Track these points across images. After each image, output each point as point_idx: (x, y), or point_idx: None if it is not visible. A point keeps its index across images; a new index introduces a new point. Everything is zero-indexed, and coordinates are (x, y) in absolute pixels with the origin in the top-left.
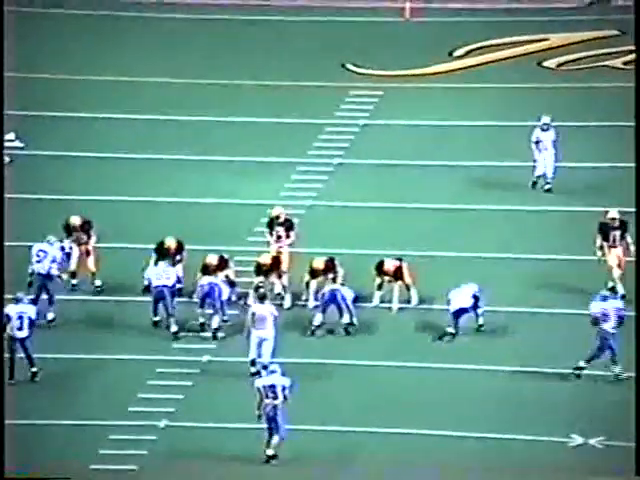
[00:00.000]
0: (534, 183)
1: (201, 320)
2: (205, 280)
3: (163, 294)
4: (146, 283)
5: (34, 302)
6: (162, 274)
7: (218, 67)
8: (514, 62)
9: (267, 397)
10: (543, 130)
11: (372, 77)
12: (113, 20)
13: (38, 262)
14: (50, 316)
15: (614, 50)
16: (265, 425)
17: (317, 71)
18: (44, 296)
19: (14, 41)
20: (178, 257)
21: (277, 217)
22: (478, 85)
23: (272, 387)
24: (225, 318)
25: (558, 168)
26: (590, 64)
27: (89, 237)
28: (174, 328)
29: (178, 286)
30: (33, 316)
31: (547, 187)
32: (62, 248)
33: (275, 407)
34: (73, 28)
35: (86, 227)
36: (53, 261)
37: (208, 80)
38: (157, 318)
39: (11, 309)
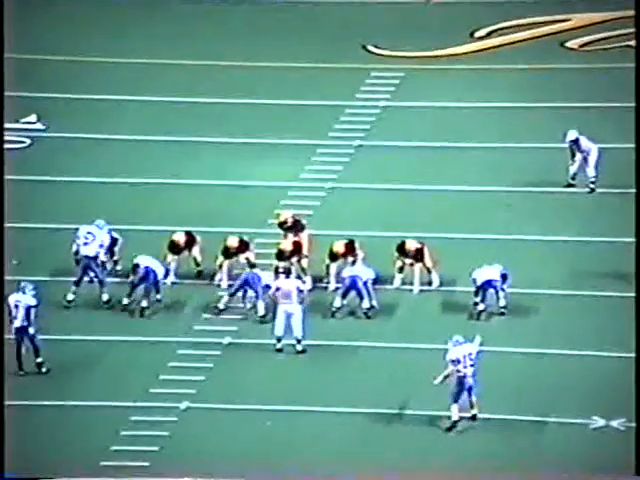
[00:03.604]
0: (569, 185)
1: (222, 306)
2: (246, 270)
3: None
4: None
5: (77, 283)
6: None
7: (239, 49)
8: (536, 43)
9: (465, 367)
10: (581, 133)
11: (393, 59)
12: (135, 2)
13: (85, 244)
14: (105, 297)
15: (637, 30)
16: (454, 391)
17: (338, 53)
18: (86, 279)
19: (38, 23)
20: (194, 249)
21: (284, 222)
22: (500, 66)
23: (470, 354)
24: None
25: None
26: (613, 44)
27: (113, 255)
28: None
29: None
30: (32, 304)
31: (591, 187)
32: (110, 232)
33: (465, 376)
34: (95, 10)
35: (112, 245)
36: (101, 245)
37: (229, 62)
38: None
39: (12, 298)
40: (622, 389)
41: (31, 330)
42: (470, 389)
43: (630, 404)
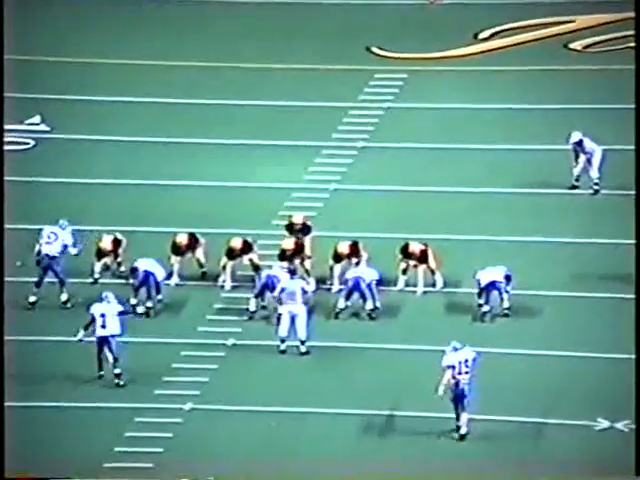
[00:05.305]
0: (573, 187)
1: (253, 308)
2: (264, 272)
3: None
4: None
5: (38, 284)
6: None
7: (243, 50)
8: (540, 44)
9: (460, 373)
10: (585, 135)
11: (397, 60)
12: (138, 4)
13: (48, 244)
14: (64, 297)
15: (637, 32)
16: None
17: (342, 54)
18: (52, 279)
19: (41, 24)
20: (198, 251)
21: (296, 224)
22: (503, 68)
23: (466, 361)
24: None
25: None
26: (616, 46)
27: (117, 256)
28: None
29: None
30: (120, 309)
31: (595, 188)
32: (73, 233)
33: (459, 382)
34: (99, 11)
35: (115, 247)
36: (65, 246)
37: (233, 63)
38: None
39: (96, 309)
40: (626, 390)
41: (117, 338)
42: (463, 397)
43: (635, 406)
